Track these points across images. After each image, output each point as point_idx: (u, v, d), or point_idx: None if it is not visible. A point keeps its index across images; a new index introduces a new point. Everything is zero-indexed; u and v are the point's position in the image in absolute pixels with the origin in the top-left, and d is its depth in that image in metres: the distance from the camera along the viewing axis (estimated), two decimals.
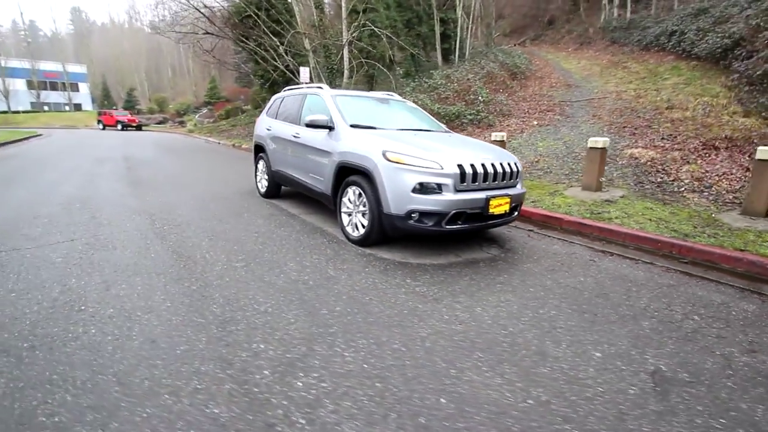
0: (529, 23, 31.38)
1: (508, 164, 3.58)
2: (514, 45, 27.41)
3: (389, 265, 3.21)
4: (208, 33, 14.15)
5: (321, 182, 4.16)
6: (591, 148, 5.46)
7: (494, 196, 3.34)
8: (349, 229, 3.78)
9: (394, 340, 2.12)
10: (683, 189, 5.41)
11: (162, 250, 3.37)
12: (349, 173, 3.75)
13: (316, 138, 4.22)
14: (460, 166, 3.23)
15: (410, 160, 3.22)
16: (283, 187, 5.57)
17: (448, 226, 3.25)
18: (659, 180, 5.90)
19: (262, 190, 5.73)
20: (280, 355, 1.94)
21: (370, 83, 19.14)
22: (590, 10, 26.06)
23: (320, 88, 4.66)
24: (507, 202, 3.47)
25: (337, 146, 3.85)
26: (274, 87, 16.48)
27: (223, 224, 4.23)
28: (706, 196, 5.11)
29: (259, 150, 5.77)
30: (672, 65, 13.30)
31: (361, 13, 16.01)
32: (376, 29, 13.72)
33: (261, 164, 5.73)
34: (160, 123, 33.21)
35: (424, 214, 3.20)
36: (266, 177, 5.56)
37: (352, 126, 3.94)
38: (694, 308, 2.67)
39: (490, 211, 3.33)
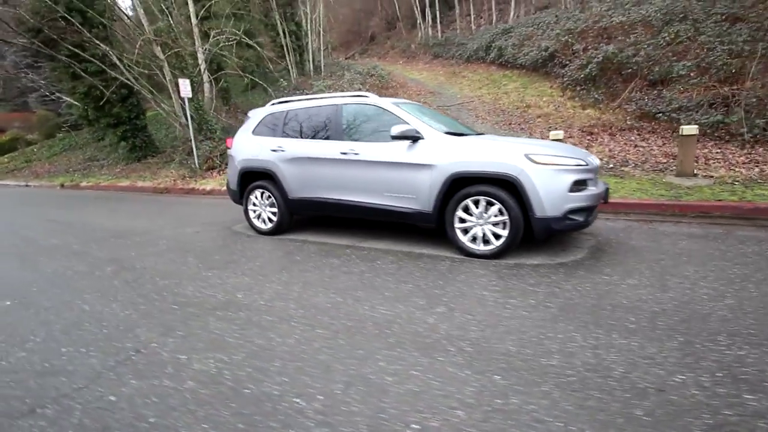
0: (353, 38, 33.62)
1: None
2: (345, 58, 28.99)
3: (559, 269, 3.11)
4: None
5: (412, 200, 3.64)
6: (553, 139, 6.37)
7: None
8: (471, 245, 3.46)
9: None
10: (613, 165, 6.89)
11: (349, 333, 2.39)
12: (465, 184, 3.42)
13: (392, 152, 3.67)
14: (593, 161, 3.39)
15: (561, 161, 3.19)
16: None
17: (590, 219, 3.37)
18: None
19: (265, 227, 4.59)
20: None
21: (226, 97, 17.22)
22: (407, 28, 29.63)
23: (365, 96, 4.04)
24: None
25: (441, 157, 3.45)
26: (106, 107, 13.06)
27: (310, 281, 3.25)
28: (633, 167, 6.65)
29: (256, 177, 4.57)
30: (502, 74, 16.43)
31: (212, 19, 14.28)
32: (243, 38, 12.45)
33: (258, 195, 4.56)
34: None
35: (577, 211, 3.22)
36: (273, 210, 4.48)
37: (447, 134, 3.60)
38: None
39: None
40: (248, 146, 4.60)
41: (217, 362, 2.04)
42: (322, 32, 20.11)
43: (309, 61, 19.87)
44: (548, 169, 3.15)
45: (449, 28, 26.48)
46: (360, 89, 13.45)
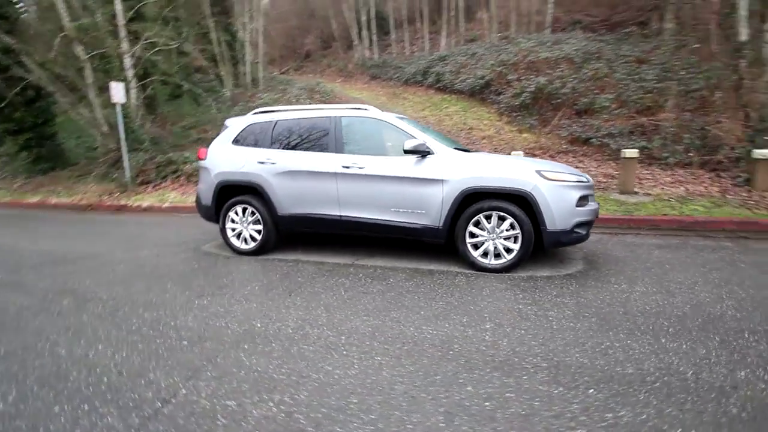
0: (288, 54, 33.12)
1: None
2: (280, 72, 28.48)
3: (571, 280, 3.25)
4: None
5: (421, 216, 3.58)
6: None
7: None
8: (484, 259, 3.48)
9: None
10: None
11: (412, 358, 2.18)
12: (477, 199, 3.45)
13: (400, 167, 3.59)
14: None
15: (568, 177, 3.38)
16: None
17: (589, 232, 3.60)
18: None
19: (246, 246, 4.18)
20: None
21: (151, 106, 15.73)
22: (343, 48, 30.01)
23: (365, 109, 3.91)
24: None
25: (452, 173, 3.45)
26: (6, 110, 11.15)
27: (330, 304, 2.99)
28: None
29: (236, 192, 4.15)
30: (441, 97, 17.29)
31: (141, 21, 13.14)
32: (181, 44, 11.59)
33: (240, 211, 4.14)
34: None
35: (582, 225, 3.42)
36: (258, 228, 4.11)
37: (456, 149, 3.63)
38: (735, 255, 4.05)
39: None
40: (228, 158, 4.18)
41: (280, 405, 1.75)
42: (261, 44, 19.51)
43: (246, 73, 19.09)
44: (558, 185, 3.32)
45: (385, 51, 27.29)
46: (310, 103, 13.19)
